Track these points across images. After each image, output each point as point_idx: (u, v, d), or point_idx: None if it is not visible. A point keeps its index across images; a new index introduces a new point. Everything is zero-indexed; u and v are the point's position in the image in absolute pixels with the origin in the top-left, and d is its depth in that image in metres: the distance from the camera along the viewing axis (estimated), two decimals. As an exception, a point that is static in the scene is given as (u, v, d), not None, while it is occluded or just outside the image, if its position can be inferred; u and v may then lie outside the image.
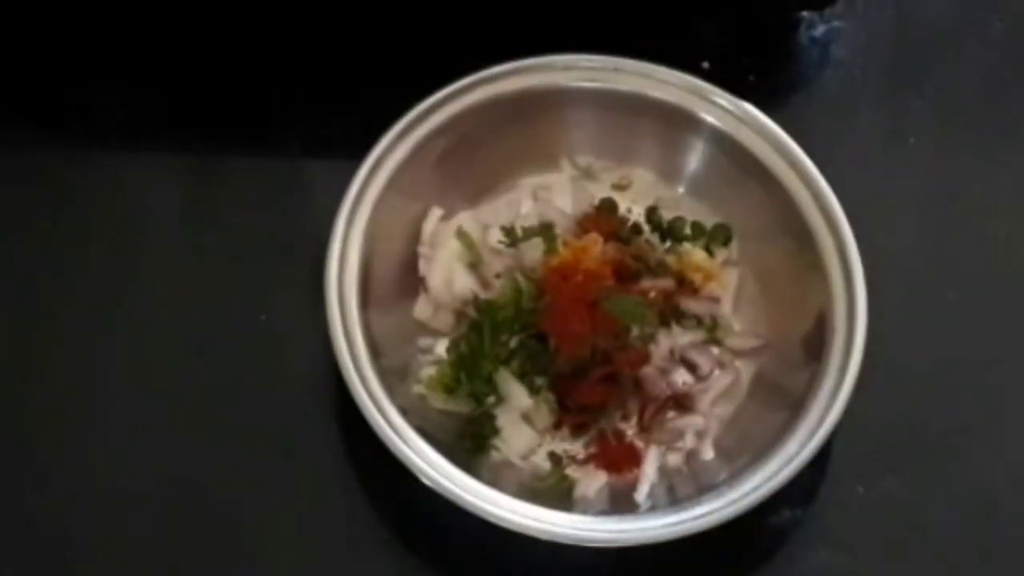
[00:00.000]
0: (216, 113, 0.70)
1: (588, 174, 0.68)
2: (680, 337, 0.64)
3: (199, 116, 0.70)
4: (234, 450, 0.62)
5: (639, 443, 0.63)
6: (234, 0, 0.71)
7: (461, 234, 0.65)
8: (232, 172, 0.69)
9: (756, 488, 0.58)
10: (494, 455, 0.62)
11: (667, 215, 0.67)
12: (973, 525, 0.63)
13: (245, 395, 0.64)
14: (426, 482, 0.57)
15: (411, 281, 0.65)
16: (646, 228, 0.67)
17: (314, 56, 0.71)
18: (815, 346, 0.61)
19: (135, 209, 0.68)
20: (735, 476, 0.59)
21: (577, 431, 0.63)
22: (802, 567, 0.62)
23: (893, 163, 0.71)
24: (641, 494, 0.61)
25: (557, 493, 0.61)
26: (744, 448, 0.61)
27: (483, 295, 0.64)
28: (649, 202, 0.68)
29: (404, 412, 0.59)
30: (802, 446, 0.59)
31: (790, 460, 0.58)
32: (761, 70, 0.70)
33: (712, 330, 0.65)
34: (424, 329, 0.64)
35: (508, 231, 0.65)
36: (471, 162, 0.66)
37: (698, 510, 0.58)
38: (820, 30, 0.74)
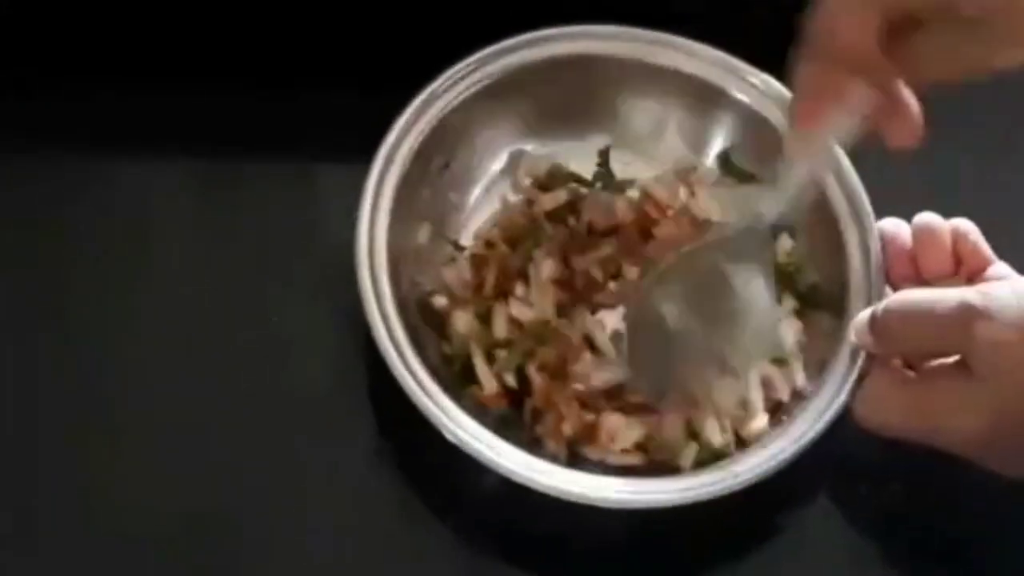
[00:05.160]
0: (226, 117, 0.70)
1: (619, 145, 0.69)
2: None
3: (209, 120, 0.70)
4: (254, 447, 0.62)
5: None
6: (244, 5, 0.71)
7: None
8: (243, 176, 0.70)
9: (769, 459, 0.59)
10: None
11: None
12: (975, 526, 0.63)
13: (263, 393, 0.64)
14: (451, 439, 0.58)
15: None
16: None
17: (321, 57, 0.72)
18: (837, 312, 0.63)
19: (146, 214, 0.68)
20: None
21: None
22: (803, 567, 0.62)
23: (894, 171, 0.71)
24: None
25: None
26: None
27: None
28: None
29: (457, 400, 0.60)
30: (811, 427, 0.60)
31: (801, 437, 0.60)
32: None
33: None
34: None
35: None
36: (499, 130, 0.68)
37: (704, 478, 0.59)
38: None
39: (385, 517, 0.62)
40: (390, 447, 0.63)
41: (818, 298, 0.66)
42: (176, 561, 0.60)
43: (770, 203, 0.61)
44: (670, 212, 0.67)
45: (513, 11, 0.69)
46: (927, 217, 0.63)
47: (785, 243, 0.67)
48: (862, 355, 0.61)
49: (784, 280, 0.66)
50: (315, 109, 0.70)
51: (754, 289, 0.62)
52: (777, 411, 0.63)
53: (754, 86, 0.67)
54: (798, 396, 0.63)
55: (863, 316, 0.60)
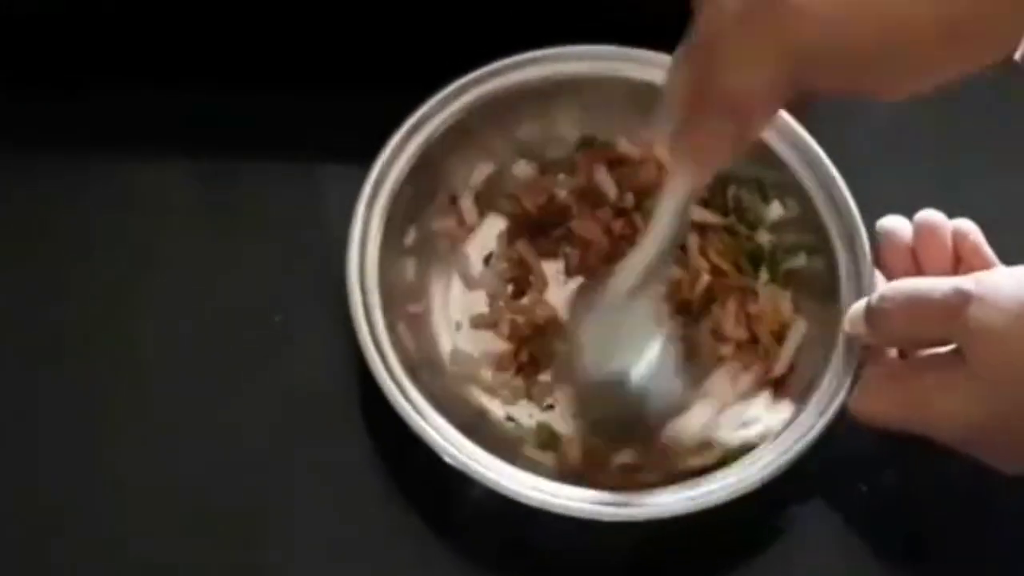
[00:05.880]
0: (226, 117, 0.70)
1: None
2: None
3: (209, 120, 0.70)
4: (254, 448, 0.62)
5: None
6: (245, 6, 0.71)
7: None
8: (243, 177, 0.70)
9: (764, 467, 0.59)
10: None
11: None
12: (976, 523, 0.63)
13: (264, 393, 0.64)
14: (448, 460, 0.58)
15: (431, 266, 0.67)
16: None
17: (321, 59, 0.72)
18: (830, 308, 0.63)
19: (146, 215, 0.68)
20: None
21: None
22: (804, 566, 0.62)
23: (894, 170, 0.72)
24: None
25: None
26: None
27: None
28: None
29: (433, 400, 0.60)
30: (808, 429, 0.60)
31: (798, 440, 0.60)
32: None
33: None
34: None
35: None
36: (482, 153, 0.68)
37: (704, 488, 0.59)
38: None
39: (381, 520, 0.62)
40: (389, 448, 0.63)
41: (798, 282, 0.66)
42: (172, 560, 0.60)
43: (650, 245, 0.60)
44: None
45: (512, 17, 0.70)
46: (929, 214, 0.64)
47: (775, 211, 0.67)
48: (857, 352, 0.61)
49: (767, 259, 0.67)
50: (315, 110, 0.70)
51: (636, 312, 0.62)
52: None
53: None
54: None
55: (858, 306, 0.61)
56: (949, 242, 0.63)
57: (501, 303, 0.67)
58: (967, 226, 0.63)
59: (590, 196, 0.69)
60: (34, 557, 0.60)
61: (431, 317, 0.66)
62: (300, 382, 0.64)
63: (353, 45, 0.72)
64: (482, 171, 0.68)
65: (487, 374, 0.65)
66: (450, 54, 0.67)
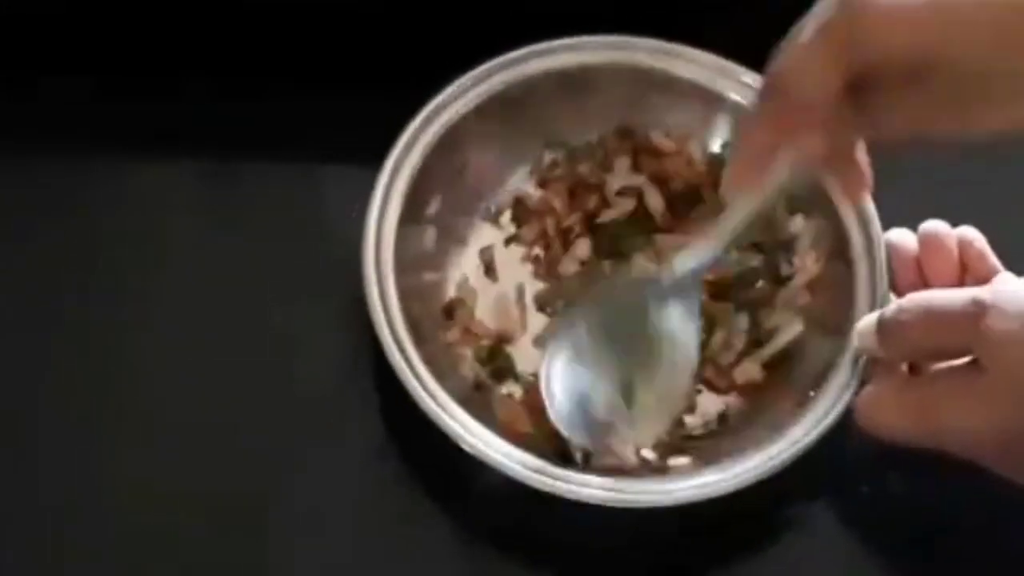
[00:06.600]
0: (229, 118, 0.70)
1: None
2: None
3: (212, 121, 0.70)
4: (255, 448, 0.62)
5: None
6: (249, 5, 0.72)
7: None
8: (245, 177, 0.70)
9: (771, 458, 0.59)
10: None
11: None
12: (978, 523, 0.63)
13: (265, 392, 0.64)
14: (466, 449, 0.59)
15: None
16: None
17: (323, 59, 0.72)
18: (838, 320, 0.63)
19: (148, 215, 0.68)
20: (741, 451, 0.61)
21: None
22: (804, 565, 0.62)
23: (896, 167, 0.72)
24: None
25: None
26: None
27: None
28: None
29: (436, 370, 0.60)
30: (808, 431, 0.60)
31: (795, 443, 0.60)
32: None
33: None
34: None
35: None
36: (498, 142, 0.68)
37: (709, 477, 0.59)
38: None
39: (385, 517, 0.62)
40: (390, 447, 0.63)
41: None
42: (174, 560, 0.60)
43: (700, 255, 0.61)
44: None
45: (514, 17, 0.70)
46: (933, 224, 0.64)
47: (796, 223, 0.68)
48: (863, 361, 0.61)
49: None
50: (316, 110, 0.70)
51: (675, 337, 0.62)
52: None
53: (748, 86, 0.67)
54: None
55: (869, 320, 0.61)
56: (955, 251, 0.63)
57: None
58: (972, 234, 0.63)
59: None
60: (34, 557, 0.60)
61: (445, 289, 0.66)
62: (300, 382, 0.64)
63: (353, 45, 0.72)
64: (509, 154, 0.69)
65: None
66: (451, 54, 0.67)
